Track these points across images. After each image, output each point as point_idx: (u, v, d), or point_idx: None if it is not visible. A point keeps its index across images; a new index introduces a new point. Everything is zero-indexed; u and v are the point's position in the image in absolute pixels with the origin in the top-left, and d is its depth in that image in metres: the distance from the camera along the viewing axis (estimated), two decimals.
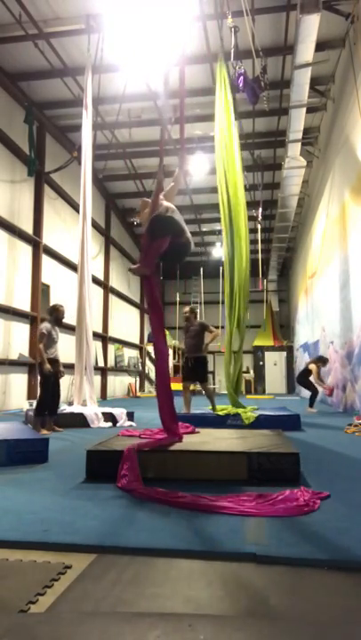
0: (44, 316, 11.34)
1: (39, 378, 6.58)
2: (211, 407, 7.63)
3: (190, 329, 7.82)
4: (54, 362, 6.56)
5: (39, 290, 11.67)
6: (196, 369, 7.69)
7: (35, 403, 6.83)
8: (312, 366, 10.43)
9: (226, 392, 8.42)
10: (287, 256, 22.29)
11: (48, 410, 6.51)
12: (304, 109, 10.44)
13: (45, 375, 6.41)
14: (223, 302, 8.67)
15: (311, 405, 10.43)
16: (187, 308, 8.05)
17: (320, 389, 10.65)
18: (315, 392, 10.46)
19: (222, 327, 8.84)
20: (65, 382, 7.95)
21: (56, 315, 6.75)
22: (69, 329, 9.75)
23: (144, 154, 14.16)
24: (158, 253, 4.10)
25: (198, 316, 7.85)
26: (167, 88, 4.79)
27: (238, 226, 7.83)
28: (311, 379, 10.50)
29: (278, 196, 14.79)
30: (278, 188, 14.74)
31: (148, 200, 4.41)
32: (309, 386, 10.49)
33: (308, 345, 16.63)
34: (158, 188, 4.28)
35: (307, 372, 10.58)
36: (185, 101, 4.50)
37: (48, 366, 6.36)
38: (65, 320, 7.04)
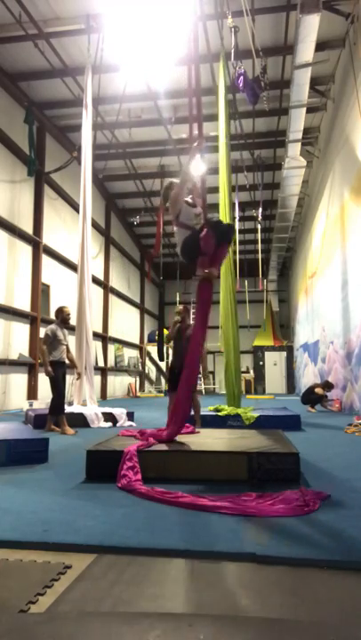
0: (46, 318, 11.36)
1: (49, 380, 6.61)
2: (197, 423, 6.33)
3: (187, 332, 6.23)
4: (60, 364, 6.56)
5: (39, 290, 11.67)
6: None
7: (33, 402, 6.86)
8: (318, 390, 10.41)
9: (225, 392, 8.42)
10: (287, 256, 22.30)
11: (60, 410, 6.55)
12: (304, 109, 10.44)
13: (53, 377, 6.42)
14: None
15: (313, 406, 10.45)
16: (180, 307, 6.68)
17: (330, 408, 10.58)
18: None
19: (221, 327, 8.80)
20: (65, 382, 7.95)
21: (61, 316, 6.76)
22: (69, 329, 9.75)
23: (144, 154, 14.16)
24: (223, 258, 4.22)
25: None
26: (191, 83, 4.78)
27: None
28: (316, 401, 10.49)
29: (278, 195, 14.79)
30: (278, 188, 14.74)
31: (177, 182, 4.33)
32: (314, 402, 10.45)
33: (308, 345, 16.63)
34: (185, 180, 4.25)
35: (311, 392, 10.55)
36: (201, 99, 4.47)
37: (49, 369, 6.36)
38: None
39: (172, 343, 6.51)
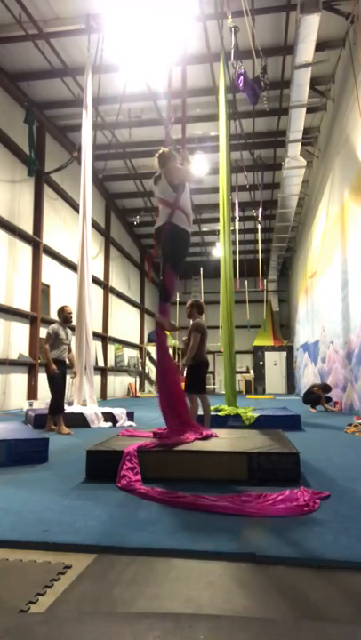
0: (46, 318, 11.36)
1: (47, 379, 6.64)
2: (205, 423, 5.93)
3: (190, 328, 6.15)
4: (59, 362, 6.58)
5: (39, 290, 11.67)
6: (186, 377, 6.14)
7: (33, 402, 6.88)
8: (316, 389, 10.51)
9: (224, 392, 8.42)
10: (287, 256, 22.30)
11: (59, 410, 6.57)
12: (304, 109, 10.44)
13: (52, 376, 6.46)
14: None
15: (313, 406, 10.45)
16: (188, 302, 6.38)
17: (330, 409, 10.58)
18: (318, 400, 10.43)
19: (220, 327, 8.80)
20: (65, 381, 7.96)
21: (63, 315, 6.82)
22: (71, 328, 9.76)
23: (144, 154, 14.15)
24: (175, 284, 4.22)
25: (201, 312, 6.30)
26: (171, 85, 4.76)
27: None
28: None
29: (278, 196, 14.79)
30: (278, 187, 14.74)
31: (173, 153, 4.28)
32: (314, 402, 10.47)
33: (308, 345, 16.63)
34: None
35: (311, 392, 10.61)
36: (186, 101, 4.48)
37: (53, 367, 6.37)
38: None
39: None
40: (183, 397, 4.31)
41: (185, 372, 6.21)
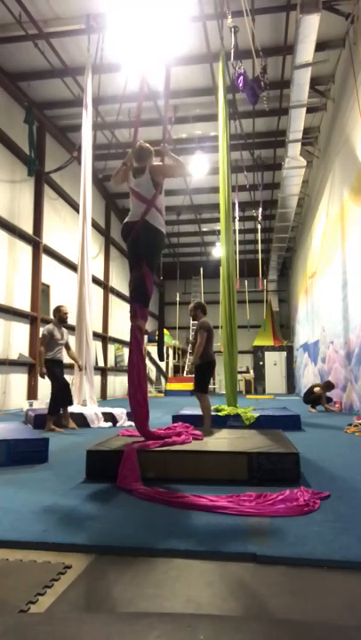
0: (46, 318, 11.36)
1: (49, 378, 6.68)
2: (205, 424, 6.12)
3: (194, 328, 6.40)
4: (56, 362, 6.59)
5: (39, 290, 11.67)
6: (196, 377, 6.32)
7: (33, 402, 6.90)
8: (317, 389, 10.38)
9: (224, 392, 8.41)
10: (287, 256, 22.30)
11: (57, 409, 6.63)
12: (304, 109, 10.44)
13: (51, 375, 6.51)
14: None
15: (313, 406, 10.45)
16: (191, 304, 6.55)
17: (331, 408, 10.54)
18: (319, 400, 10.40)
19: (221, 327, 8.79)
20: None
21: (58, 315, 6.84)
22: (69, 329, 9.74)
23: None
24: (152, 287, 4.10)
25: (204, 313, 6.36)
26: (168, 84, 4.68)
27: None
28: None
29: (278, 196, 14.79)
30: (278, 187, 14.74)
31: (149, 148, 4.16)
32: (314, 402, 10.43)
33: (308, 345, 16.63)
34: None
35: (311, 392, 10.54)
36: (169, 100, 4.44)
37: (44, 370, 6.46)
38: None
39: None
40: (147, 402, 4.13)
41: (194, 372, 6.28)
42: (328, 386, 10.48)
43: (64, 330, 6.85)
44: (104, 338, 16.80)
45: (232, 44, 7.91)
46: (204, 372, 6.15)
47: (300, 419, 7.19)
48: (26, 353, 11.16)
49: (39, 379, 11.26)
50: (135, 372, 3.98)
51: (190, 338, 6.58)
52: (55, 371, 6.60)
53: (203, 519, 2.58)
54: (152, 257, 4.04)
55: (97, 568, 1.99)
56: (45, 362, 6.51)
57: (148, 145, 4.20)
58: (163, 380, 21.93)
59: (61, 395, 6.65)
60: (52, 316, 7.22)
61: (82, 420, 7.37)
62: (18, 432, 4.91)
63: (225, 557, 2.09)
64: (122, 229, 4.14)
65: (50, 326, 6.69)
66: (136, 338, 4.07)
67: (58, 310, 6.89)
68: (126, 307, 17.54)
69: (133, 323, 4.09)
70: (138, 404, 3.96)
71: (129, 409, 4.11)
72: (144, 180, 4.04)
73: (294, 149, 11.88)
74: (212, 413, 7.06)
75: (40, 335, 6.79)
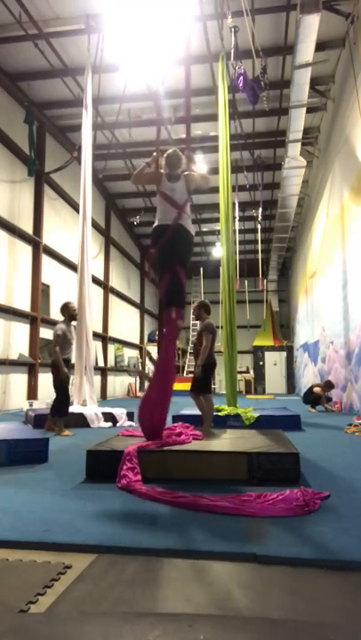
0: (46, 318, 11.34)
1: (54, 380, 6.32)
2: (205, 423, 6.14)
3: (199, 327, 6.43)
4: (67, 362, 6.38)
5: (39, 290, 11.67)
6: (197, 379, 6.35)
7: (33, 402, 6.80)
8: (317, 389, 10.37)
9: (224, 392, 8.41)
10: (287, 256, 22.30)
11: (64, 413, 6.40)
12: (304, 109, 10.45)
13: (61, 378, 6.20)
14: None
15: (313, 406, 10.45)
16: (195, 304, 6.45)
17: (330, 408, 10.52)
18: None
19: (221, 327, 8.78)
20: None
21: (68, 313, 6.49)
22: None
23: (144, 154, 14.14)
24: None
25: (208, 313, 6.38)
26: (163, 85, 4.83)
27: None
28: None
29: (278, 196, 14.79)
30: (278, 187, 14.74)
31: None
32: (314, 402, 10.42)
33: (308, 345, 16.63)
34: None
35: (311, 392, 10.53)
36: (190, 101, 4.49)
37: (65, 370, 6.16)
38: None
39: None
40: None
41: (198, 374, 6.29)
42: (328, 385, 10.47)
43: (73, 328, 6.62)
44: (104, 338, 16.80)
45: (232, 44, 7.91)
46: (207, 374, 6.25)
47: (300, 419, 7.19)
48: (26, 353, 11.16)
49: (39, 379, 11.28)
50: (171, 380, 4.06)
51: (192, 338, 6.55)
52: (66, 378, 6.30)
53: (203, 519, 2.58)
54: (186, 257, 4.23)
55: (97, 568, 1.99)
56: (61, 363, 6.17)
57: (180, 152, 4.34)
58: None
59: (67, 400, 6.41)
60: (56, 316, 6.96)
61: (82, 420, 7.37)
62: (18, 432, 4.91)
63: (225, 557, 2.09)
64: (153, 231, 4.23)
65: (62, 325, 6.32)
66: (174, 342, 4.18)
67: (67, 307, 6.52)
68: (126, 307, 17.59)
69: (175, 326, 4.16)
70: (161, 411, 4.03)
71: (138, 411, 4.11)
72: (179, 186, 4.20)
73: (294, 149, 11.88)
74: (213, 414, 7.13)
75: (54, 335, 6.31)
